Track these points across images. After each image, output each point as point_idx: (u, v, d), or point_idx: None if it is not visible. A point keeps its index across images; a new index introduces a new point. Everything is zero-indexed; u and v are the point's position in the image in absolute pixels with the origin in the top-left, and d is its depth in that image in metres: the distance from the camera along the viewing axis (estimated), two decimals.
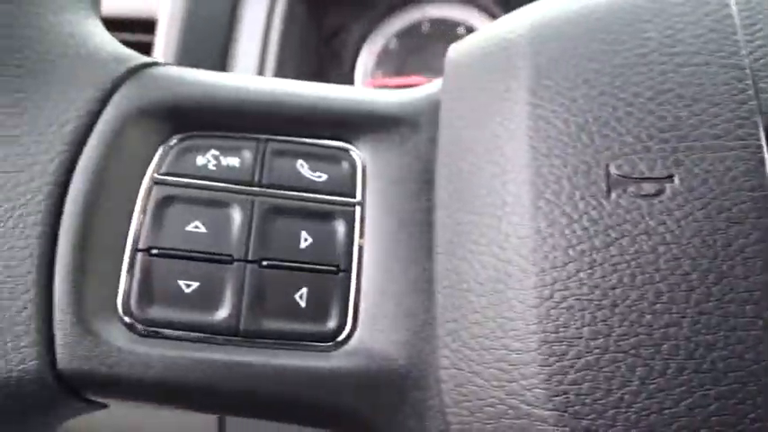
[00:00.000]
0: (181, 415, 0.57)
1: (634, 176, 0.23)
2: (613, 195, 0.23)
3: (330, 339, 0.27)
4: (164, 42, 0.69)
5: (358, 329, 0.27)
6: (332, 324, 0.27)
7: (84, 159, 0.27)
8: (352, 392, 0.26)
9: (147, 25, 0.73)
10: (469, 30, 0.83)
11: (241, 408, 0.27)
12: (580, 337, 0.22)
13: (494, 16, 0.83)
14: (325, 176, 0.29)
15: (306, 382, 0.26)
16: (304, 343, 0.27)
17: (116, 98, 0.28)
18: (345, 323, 0.27)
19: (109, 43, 0.30)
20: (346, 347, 0.27)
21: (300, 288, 0.27)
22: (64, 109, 0.27)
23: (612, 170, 0.23)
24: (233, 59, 0.71)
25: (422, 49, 0.84)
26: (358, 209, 0.28)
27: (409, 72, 0.83)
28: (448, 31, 0.83)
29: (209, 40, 0.71)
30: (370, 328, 0.27)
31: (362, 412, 0.26)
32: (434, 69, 0.83)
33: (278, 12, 0.73)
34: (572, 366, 0.22)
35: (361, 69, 0.84)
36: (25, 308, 0.25)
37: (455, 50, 0.30)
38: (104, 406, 0.28)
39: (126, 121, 0.28)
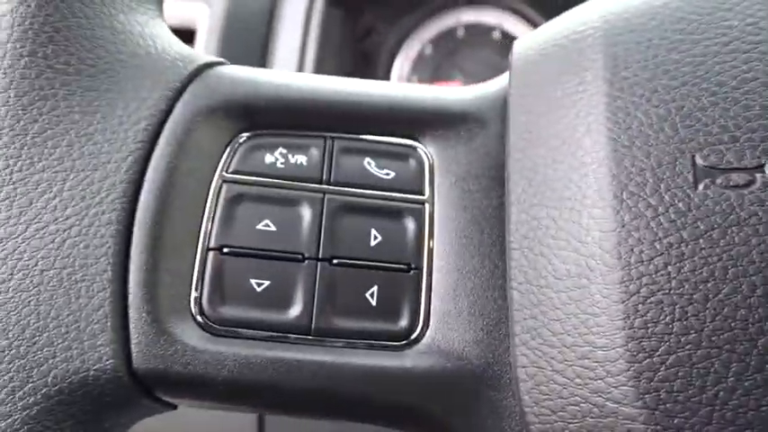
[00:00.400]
0: (220, 416, 0.57)
1: (722, 167, 0.22)
2: (701, 187, 0.22)
3: (402, 338, 0.26)
4: (203, 46, 0.70)
5: (430, 328, 0.26)
6: (403, 323, 0.27)
7: (156, 158, 0.27)
8: (425, 392, 0.26)
9: (184, 34, 0.74)
10: (504, 34, 0.82)
11: (312, 407, 0.27)
12: (670, 333, 0.22)
13: (529, 20, 0.82)
14: (392, 174, 0.29)
15: (378, 381, 0.25)
16: (376, 342, 0.26)
17: (185, 96, 0.28)
18: (417, 322, 0.27)
19: (176, 43, 0.30)
20: (418, 346, 0.26)
21: (371, 286, 0.27)
22: (135, 108, 0.27)
23: (699, 161, 0.23)
24: (272, 63, 0.71)
25: (457, 54, 0.84)
26: (427, 206, 0.28)
27: (444, 77, 0.83)
28: (483, 36, 0.83)
29: (249, 44, 0.71)
30: (443, 327, 0.26)
31: (436, 412, 0.26)
32: (470, 74, 0.83)
33: (315, 16, 0.73)
34: (662, 363, 0.21)
35: (396, 75, 0.84)
36: (102, 306, 0.25)
37: (521, 46, 0.29)
38: (174, 407, 0.28)
39: (195, 120, 0.27)
